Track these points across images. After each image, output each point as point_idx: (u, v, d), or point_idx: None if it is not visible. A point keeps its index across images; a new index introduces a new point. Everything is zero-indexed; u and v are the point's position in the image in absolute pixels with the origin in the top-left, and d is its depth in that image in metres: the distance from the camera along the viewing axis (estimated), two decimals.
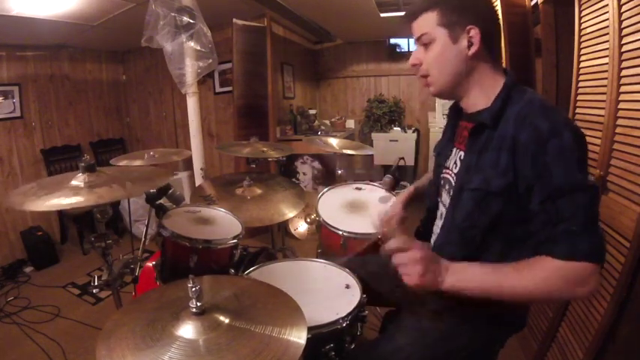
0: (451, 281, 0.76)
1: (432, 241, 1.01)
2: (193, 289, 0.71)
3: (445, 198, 0.98)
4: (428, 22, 0.86)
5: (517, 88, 0.85)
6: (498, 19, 0.88)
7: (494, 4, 1.91)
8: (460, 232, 0.88)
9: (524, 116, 0.77)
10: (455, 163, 0.95)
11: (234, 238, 1.32)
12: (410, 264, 0.76)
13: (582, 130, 0.78)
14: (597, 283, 0.72)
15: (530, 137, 0.75)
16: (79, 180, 1.06)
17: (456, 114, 1.00)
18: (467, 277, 0.77)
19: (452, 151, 0.98)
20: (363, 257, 1.21)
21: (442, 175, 1.00)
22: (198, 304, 0.71)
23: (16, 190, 1.04)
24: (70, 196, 0.97)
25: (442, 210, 0.99)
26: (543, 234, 0.75)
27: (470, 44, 0.83)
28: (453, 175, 0.95)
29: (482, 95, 0.87)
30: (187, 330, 0.70)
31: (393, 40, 4.75)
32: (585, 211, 0.72)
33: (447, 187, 0.97)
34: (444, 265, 0.78)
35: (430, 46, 0.86)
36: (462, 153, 0.93)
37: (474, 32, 0.82)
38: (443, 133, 1.09)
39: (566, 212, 0.72)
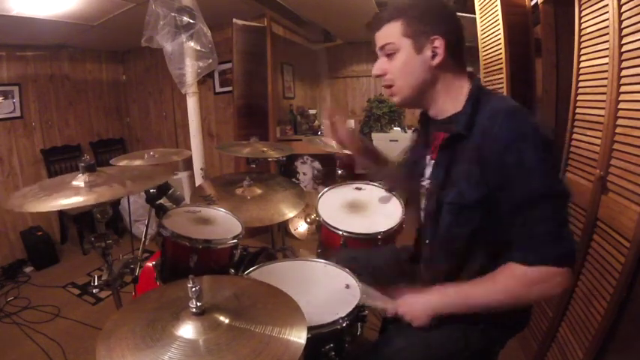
0: (432, 310, 0.87)
1: (422, 253, 1.03)
2: (193, 289, 0.71)
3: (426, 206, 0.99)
4: (392, 32, 0.85)
5: (483, 92, 0.85)
6: (462, 28, 0.87)
7: (494, 4, 1.91)
8: (443, 244, 0.90)
9: (488, 128, 0.78)
10: (431, 173, 0.95)
11: (234, 238, 1.32)
12: (407, 309, 0.89)
13: (581, 130, 0.78)
14: (561, 285, 0.75)
15: (492, 150, 0.76)
16: (79, 180, 1.06)
17: (427, 120, 0.99)
18: (441, 303, 0.87)
19: (426, 159, 0.98)
20: (368, 253, 1.22)
21: (422, 184, 1.00)
22: (198, 304, 0.71)
23: (17, 193, 1.03)
24: (70, 196, 0.97)
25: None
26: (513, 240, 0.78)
27: (434, 54, 0.83)
28: (429, 184, 0.95)
29: (449, 101, 0.87)
30: (187, 330, 0.69)
31: None
32: (549, 219, 0.74)
33: (428, 195, 0.98)
34: (421, 298, 0.89)
35: (394, 55, 0.86)
36: (436, 163, 0.93)
37: (439, 42, 0.82)
38: (416, 139, 1.09)
39: (528, 221, 0.75)
